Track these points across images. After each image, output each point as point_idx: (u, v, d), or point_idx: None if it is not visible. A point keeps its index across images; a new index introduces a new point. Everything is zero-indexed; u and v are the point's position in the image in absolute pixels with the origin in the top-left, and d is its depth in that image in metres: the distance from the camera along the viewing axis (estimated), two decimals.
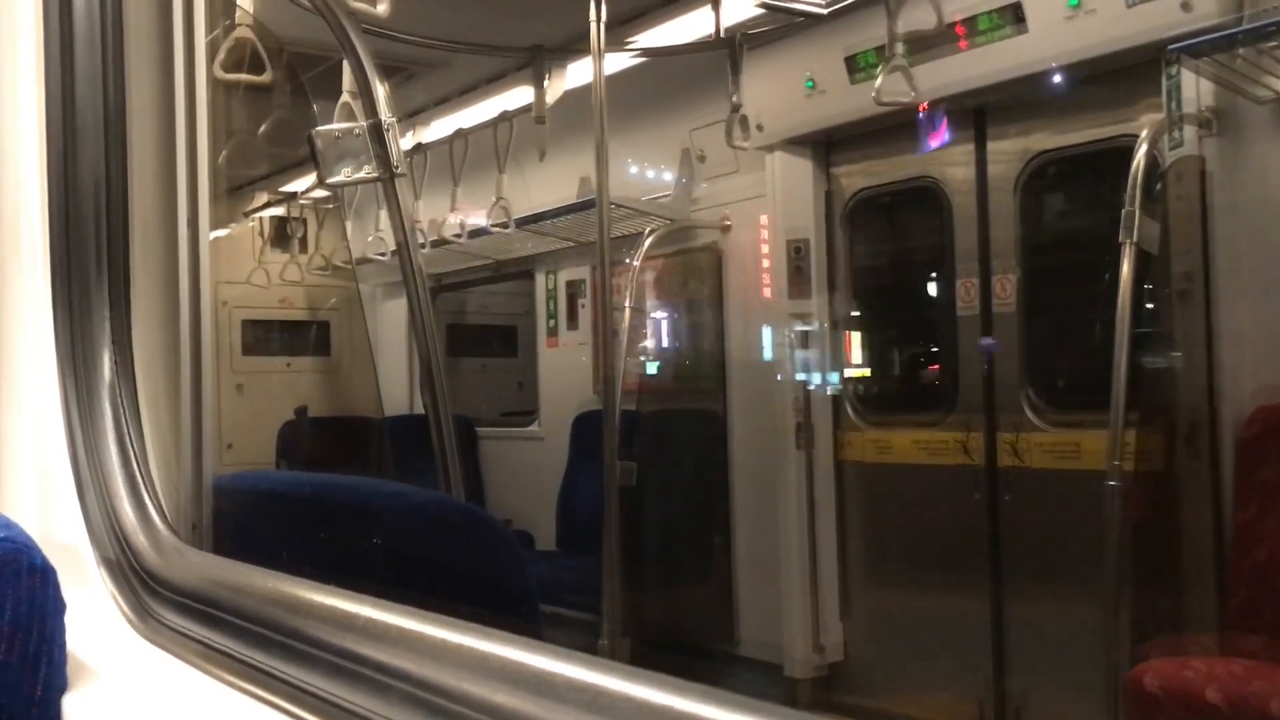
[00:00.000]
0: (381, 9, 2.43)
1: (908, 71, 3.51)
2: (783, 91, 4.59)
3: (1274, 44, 3.02)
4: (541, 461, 6.30)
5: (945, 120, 4.15)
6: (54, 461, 1.56)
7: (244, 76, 2.53)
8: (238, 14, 2.65)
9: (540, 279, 6.49)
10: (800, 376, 4.76)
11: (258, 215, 6.93)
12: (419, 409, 6.96)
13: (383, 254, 5.88)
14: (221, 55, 2.41)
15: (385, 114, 2.13)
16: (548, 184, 5.57)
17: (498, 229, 5.54)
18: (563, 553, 5.86)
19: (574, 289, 6.26)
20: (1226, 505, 3.34)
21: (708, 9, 4.26)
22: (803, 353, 4.76)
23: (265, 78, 2.61)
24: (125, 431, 1.55)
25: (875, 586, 4.70)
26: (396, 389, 7.36)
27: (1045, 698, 4.03)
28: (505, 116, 5.21)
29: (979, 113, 4.22)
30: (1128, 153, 3.44)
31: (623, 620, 3.79)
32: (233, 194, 6.40)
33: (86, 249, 1.60)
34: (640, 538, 4.90)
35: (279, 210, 6.92)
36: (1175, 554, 3.45)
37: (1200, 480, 3.39)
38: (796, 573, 4.70)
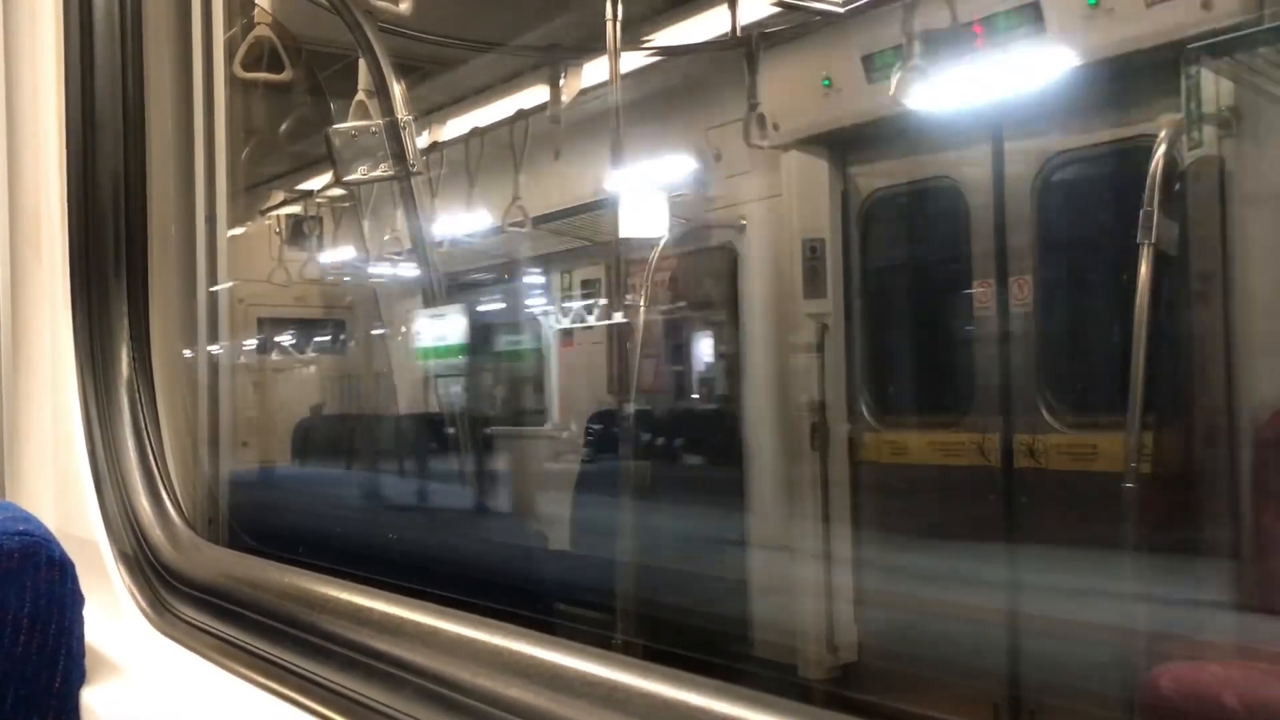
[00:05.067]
0: (404, 7, 2.43)
1: (926, 71, 3.49)
2: (799, 90, 4.57)
3: None
4: (555, 461, 6.29)
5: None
6: (72, 456, 1.57)
7: (263, 75, 2.53)
8: (256, 12, 2.66)
9: (555, 278, 6.49)
10: (814, 376, 4.75)
11: (274, 213, 6.96)
12: (434, 407, 6.97)
13: (398, 253, 5.90)
14: (241, 54, 2.41)
15: (402, 112, 2.13)
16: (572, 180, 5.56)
17: (513, 228, 5.54)
18: (576, 552, 5.86)
19: (589, 288, 6.26)
20: (1244, 509, 3.31)
21: (724, 8, 4.26)
22: (817, 352, 4.75)
23: (284, 76, 2.62)
24: (143, 427, 1.56)
25: (884, 585, 4.68)
26: (411, 387, 7.37)
27: (1061, 700, 4.00)
28: (522, 115, 5.21)
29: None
30: (1146, 153, 3.42)
31: (636, 619, 3.78)
32: (249, 192, 6.43)
33: (105, 246, 1.61)
34: (653, 537, 4.89)
35: (295, 208, 6.94)
36: (1192, 557, 3.42)
37: (1218, 483, 3.36)
38: (810, 572, 4.68)
